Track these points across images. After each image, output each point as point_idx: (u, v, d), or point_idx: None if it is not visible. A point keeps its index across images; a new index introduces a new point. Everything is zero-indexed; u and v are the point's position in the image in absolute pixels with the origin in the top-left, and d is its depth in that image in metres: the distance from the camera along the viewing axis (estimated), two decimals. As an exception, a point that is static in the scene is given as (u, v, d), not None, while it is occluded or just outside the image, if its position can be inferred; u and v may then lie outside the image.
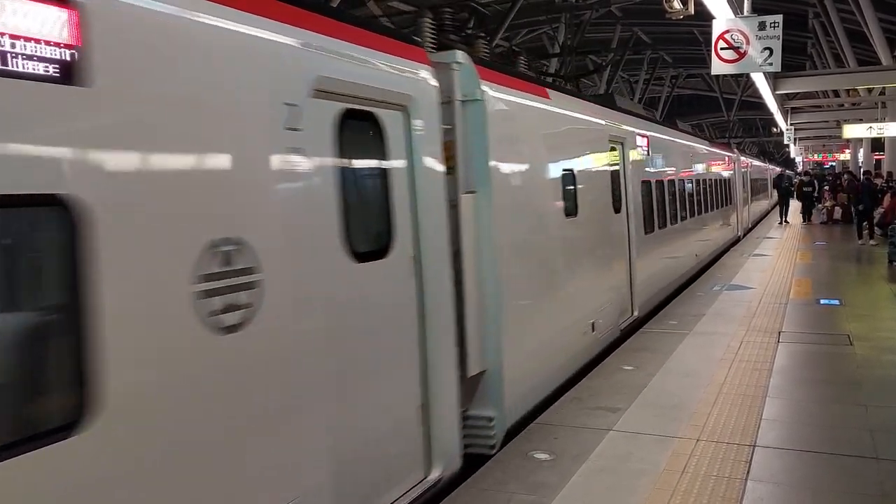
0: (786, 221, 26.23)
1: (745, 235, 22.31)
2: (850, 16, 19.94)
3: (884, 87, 23.16)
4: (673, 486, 4.54)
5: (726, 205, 19.23)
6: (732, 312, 9.91)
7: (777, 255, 16.64)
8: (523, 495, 4.47)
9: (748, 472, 4.73)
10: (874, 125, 25.40)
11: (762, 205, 33.78)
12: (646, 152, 10.67)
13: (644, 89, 30.11)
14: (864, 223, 18.94)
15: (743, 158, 25.16)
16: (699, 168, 15.55)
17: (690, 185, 14.22)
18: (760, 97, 21.26)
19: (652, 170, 11.07)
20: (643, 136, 10.63)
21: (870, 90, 24.62)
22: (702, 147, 16.78)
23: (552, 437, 5.41)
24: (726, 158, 20.46)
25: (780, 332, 8.65)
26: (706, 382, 6.67)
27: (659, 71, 33.42)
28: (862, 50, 22.08)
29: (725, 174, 19.64)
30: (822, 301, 10.63)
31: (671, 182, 12.26)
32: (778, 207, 28.44)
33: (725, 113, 39.97)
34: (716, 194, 17.22)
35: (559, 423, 5.69)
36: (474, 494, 4.51)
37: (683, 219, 13.11)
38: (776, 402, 6.11)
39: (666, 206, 11.61)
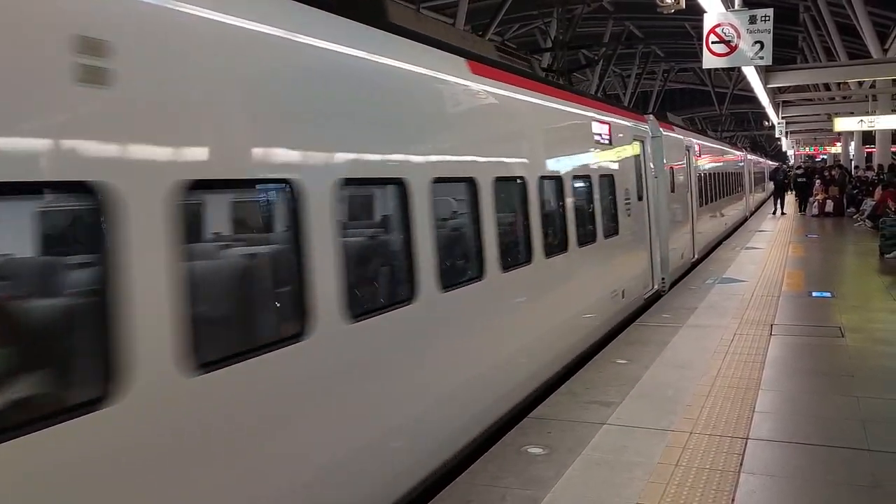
0: (782, 212, 26.66)
1: (670, 285, 11.85)
2: (841, 9, 20.03)
3: (874, 81, 23.26)
4: (667, 478, 4.56)
5: (563, 249, 7.46)
6: (725, 305, 9.94)
7: (769, 247, 16.69)
8: (518, 490, 4.48)
9: (741, 464, 4.75)
10: (865, 118, 25.57)
11: (729, 219, 21.56)
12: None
13: (636, 83, 30.15)
14: None
15: (671, 136, 13.08)
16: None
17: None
18: (752, 91, 21.32)
19: None
20: None
21: (860, 83, 24.73)
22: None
23: (546, 431, 5.42)
24: (582, 131, 8.59)
25: (772, 325, 8.69)
26: (700, 375, 6.69)
27: (651, 65, 33.52)
28: (852, 43, 22.18)
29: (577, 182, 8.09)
30: (814, 293, 10.67)
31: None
32: (773, 199, 28.08)
33: (717, 107, 40.10)
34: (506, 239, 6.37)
35: (553, 418, 5.70)
36: (469, 490, 4.51)
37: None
38: (769, 395, 6.14)
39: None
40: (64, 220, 3.40)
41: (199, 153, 3.21)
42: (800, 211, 26.67)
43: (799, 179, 27.56)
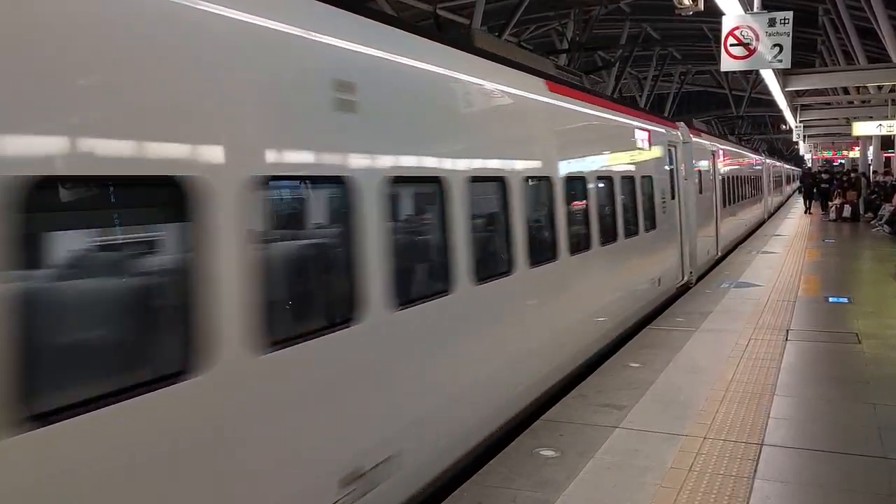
0: (809, 212, 30.68)
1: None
2: (861, 12, 19.80)
3: (893, 85, 22.99)
4: (680, 483, 4.52)
5: None
6: (740, 310, 9.87)
7: (785, 252, 16.56)
8: (529, 492, 4.46)
9: (755, 470, 4.71)
10: (884, 122, 25.28)
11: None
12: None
13: (653, 86, 29.99)
14: None
15: None
16: None
17: None
18: (770, 94, 21.16)
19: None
20: None
21: (879, 87, 24.46)
22: None
23: (558, 433, 5.40)
24: None
25: (788, 330, 8.61)
26: (713, 380, 6.65)
27: (668, 67, 33.29)
28: (872, 47, 21.92)
29: None
30: (830, 299, 10.58)
31: None
32: (803, 199, 33.82)
33: (734, 110, 39.75)
34: None
35: (565, 420, 5.68)
36: (480, 491, 4.50)
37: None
38: (784, 401, 6.08)
39: None
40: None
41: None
42: (822, 212, 28.94)
43: (822, 185, 28.98)
